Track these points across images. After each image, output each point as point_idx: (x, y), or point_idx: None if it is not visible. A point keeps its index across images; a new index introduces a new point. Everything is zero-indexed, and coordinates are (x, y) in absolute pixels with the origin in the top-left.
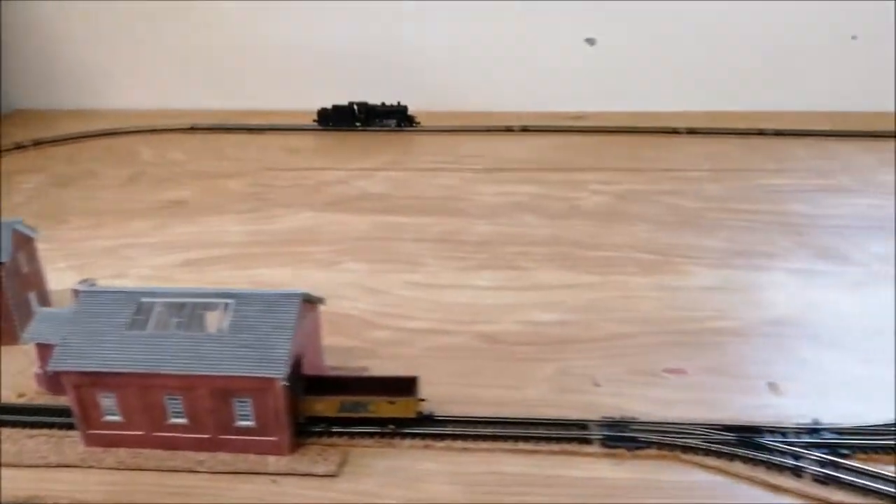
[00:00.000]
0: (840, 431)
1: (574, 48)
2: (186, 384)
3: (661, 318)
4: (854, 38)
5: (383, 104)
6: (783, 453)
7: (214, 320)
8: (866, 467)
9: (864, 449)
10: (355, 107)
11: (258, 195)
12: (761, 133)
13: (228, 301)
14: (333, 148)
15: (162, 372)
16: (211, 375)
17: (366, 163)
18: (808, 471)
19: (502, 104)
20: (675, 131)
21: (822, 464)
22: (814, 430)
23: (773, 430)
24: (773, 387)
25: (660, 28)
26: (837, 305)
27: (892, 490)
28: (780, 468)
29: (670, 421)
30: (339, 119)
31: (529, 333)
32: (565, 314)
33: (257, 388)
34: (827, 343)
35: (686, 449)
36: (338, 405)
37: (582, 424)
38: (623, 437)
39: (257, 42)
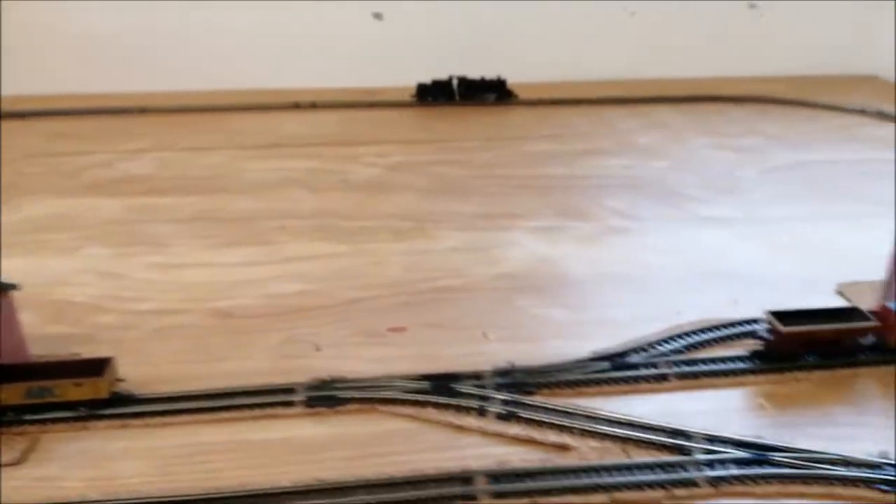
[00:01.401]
0: (530, 371)
1: (363, 23)
2: None
3: (400, 280)
4: (633, 14)
5: (483, 78)
6: (472, 396)
7: None
8: (544, 402)
9: (549, 385)
10: (455, 81)
11: (8, 184)
12: (539, 103)
13: None
14: (99, 130)
15: None
16: None
17: (133, 144)
18: (491, 410)
19: (293, 80)
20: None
21: (506, 402)
22: (506, 372)
23: (469, 376)
24: (486, 336)
25: (446, 1)
26: (562, 259)
27: (563, 421)
28: (468, 410)
29: (373, 376)
30: (438, 93)
31: (264, 306)
32: (307, 284)
33: None
34: (541, 293)
35: (384, 401)
36: (23, 391)
37: (289, 388)
38: (324, 396)
39: (27, 22)
